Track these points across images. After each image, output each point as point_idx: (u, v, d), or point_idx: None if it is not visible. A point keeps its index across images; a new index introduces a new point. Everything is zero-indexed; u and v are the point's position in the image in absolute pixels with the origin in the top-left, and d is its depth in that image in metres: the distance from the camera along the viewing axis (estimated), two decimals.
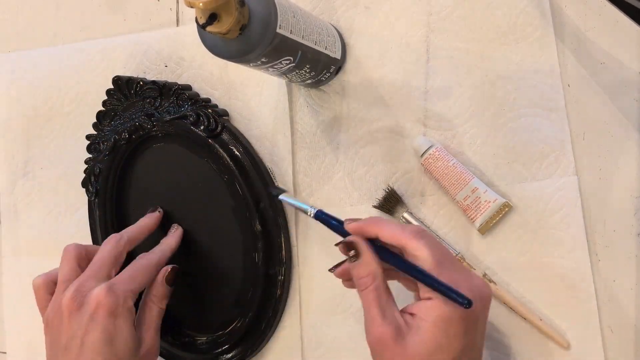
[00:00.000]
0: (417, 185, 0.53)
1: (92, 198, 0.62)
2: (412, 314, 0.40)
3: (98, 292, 0.47)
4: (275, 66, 0.46)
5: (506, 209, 0.50)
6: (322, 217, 0.44)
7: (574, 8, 0.50)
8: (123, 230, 0.55)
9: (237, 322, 0.57)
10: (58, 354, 0.47)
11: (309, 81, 0.53)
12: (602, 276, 0.49)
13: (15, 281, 0.67)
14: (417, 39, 0.53)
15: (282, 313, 0.56)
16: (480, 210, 0.50)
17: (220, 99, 0.59)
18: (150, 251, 0.54)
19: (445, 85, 0.53)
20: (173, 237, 0.57)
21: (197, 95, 0.59)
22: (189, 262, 0.58)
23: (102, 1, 0.66)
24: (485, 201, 0.50)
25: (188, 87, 0.59)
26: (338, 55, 0.53)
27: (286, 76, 0.50)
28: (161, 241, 0.56)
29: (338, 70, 0.55)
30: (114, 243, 0.52)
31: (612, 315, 0.48)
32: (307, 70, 0.50)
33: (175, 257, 0.56)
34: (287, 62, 0.46)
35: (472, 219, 0.50)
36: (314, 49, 0.48)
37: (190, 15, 0.62)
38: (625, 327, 0.48)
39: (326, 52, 0.51)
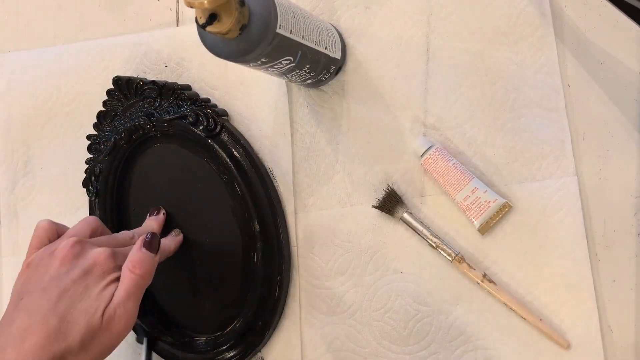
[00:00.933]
0: (417, 185, 0.53)
1: (93, 198, 0.61)
2: None
3: (101, 252, 0.47)
4: (275, 66, 0.46)
5: (506, 209, 0.50)
6: None
7: (574, 8, 0.50)
8: (133, 230, 0.55)
9: (237, 322, 0.57)
10: (33, 293, 0.45)
11: (309, 81, 0.53)
12: (602, 276, 0.49)
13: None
14: (417, 39, 0.53)
15: (282, 313, 0.56)
16: (480, 210, 0.50)
17: (220, 99, 0.59)
18: None
19: (445, 85, 0.53)
20: (173, 241, 0.57)
21: (197, 95, 0.59)
22: (188, 262, 0.58)
23: (102, 1, 0.66)
24: (485, 201, 0.50)
25: (187, 87, 0.59)
26: (338, 55, 0.53)
27: (286, 76, 0.50)
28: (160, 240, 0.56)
29: (338, 70, 0.55)
30: (126, 236, 0.52)
31: (612, 315, 0.48)
32: (307, 70, 0.50)
33: (174, 257, 0.56)
34: (287, 62, 0.46)
35: (472, 219, 0.50)
36: (314, 49, 0.48)
37: (190, 15, 0.62)
38: (625, 327, 0.48)
39: (326, 52, 0.51)
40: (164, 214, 0.58)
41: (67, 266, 0.46)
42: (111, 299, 0.46)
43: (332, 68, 0.53)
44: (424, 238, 0.52)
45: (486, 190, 0.50)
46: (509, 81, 0.51)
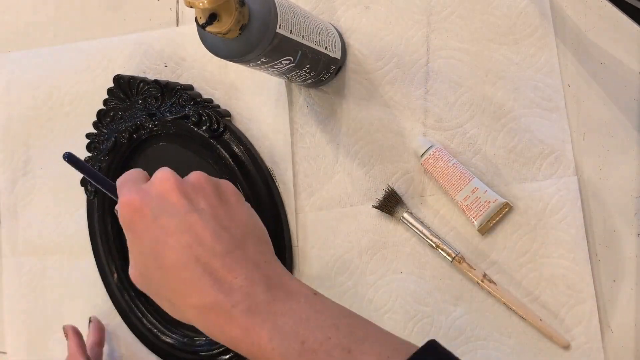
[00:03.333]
0: (417, 185, 0.53)
1: (91, 197, 0.62)
2: None
3: None
4: (275, 66, 0.46)
5: (506, 209, 0.50)
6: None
7: (574, 8, 0.50)
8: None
9: None
10: None
11: (309, 81, 0.53)
12: (602, 276, 0.49)
13: (15, 281, 0.67)
14: (417, 39, 0.53)
15: None
16: (480, 210, 0.50)
17: (219, 99, 0.59)
18: None
19: (445, 85, 0.53)
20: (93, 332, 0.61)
21: (199, 95, 0.59)
22: None
23: (102, 1, 0.66)
24: (485, 201, 0.50)
25: (190, 87, 0.59)
26: (338, 55, 0.53)
27: (286, 76, 0.50)
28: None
29: (338, 70, 0.55)
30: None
31: (612, 315, 0.48)
32: (307, 70, 0.50)
33: None
34: (287, 62, 0.46)
35: (472, 219, 0.50)
36: (314, 49, 0.48)
37: (190, 15, 0.62)
38: (625, 327, 0.48)
39: (326, 52, 0.51)
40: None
41: None
42: None
43: (332, 68, 0.53)
44: (424, 238, 0.52)
45: (486, 190, 0.50)
46: (509, 81, 0.51)
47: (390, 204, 0.53)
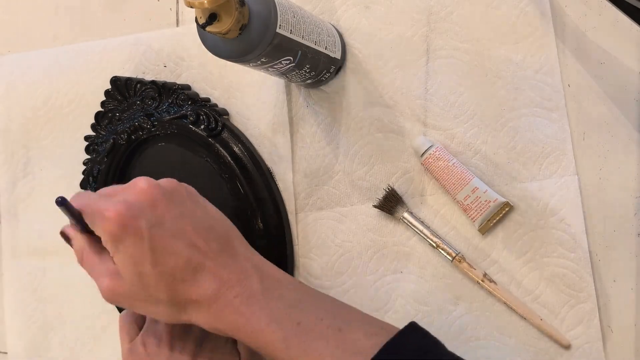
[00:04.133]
0: (417, 185, 0.53)
1: None
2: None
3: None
4: (275, 66, 0.46)
5: (506, 209, 0.50)
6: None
7: (574, 8, 0.50)
8: None
9: None
10: None
11: (309, 81, 0.53)
12: (602, 276, 0.49)
13: (16, 282, 0.67)
14: (417, 39, 0.53)
15: None
16: (481, 210, 0.50)
17: (219, 99, 0.59)
18: None
19: (445, 85, 0.53)
20: None
21: (197, 94, 0.59)
22: None
23: (102, 1, 0.66)
24: (486, 201, 0.50)
25: (187, 87, 0.59)
26: (338, 55, 0.53)
27: (286, 76, 0.50)
28: None
29: (338, 70, 0.55)
30: None
31: (612, 315, 0.48)
32: (307, 70, 0.50)
33: None
34: (287, 62, 0.46)
35: (472, 219, 0.50)
36: (314, 49, 0.48)
37: (190, 15, 0.62)
38: (625, 327, 0.48)
39: (326, 52, 0.51)
40: None
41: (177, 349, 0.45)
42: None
43: (332, 68, 0.53)
44: (424, 238, 0.52)
45: (486, 190, 0.50)
46: (509, 81, 0.51)
47: (390, 203, 0.53)
